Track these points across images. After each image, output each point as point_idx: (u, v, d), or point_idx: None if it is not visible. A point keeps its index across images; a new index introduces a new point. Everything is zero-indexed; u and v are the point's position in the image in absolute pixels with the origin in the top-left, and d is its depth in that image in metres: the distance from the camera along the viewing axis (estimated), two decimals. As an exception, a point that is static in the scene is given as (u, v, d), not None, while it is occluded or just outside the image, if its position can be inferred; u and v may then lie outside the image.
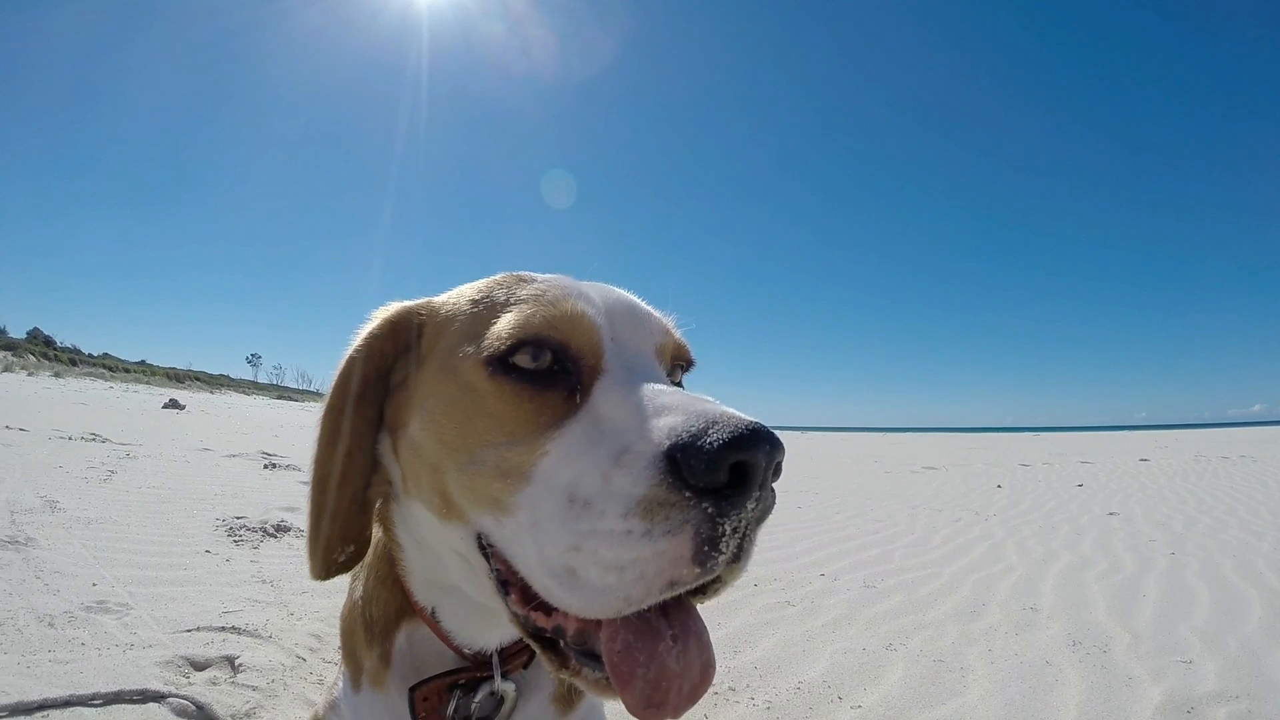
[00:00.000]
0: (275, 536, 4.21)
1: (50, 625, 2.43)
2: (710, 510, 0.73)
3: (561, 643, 0.90)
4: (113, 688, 1.98)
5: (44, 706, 1.86)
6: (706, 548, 0.73)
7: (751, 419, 0.74)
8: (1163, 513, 7.42)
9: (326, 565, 1.13)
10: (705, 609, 2.94)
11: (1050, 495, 9.32)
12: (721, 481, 0.73)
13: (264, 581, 3.27)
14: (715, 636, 2.87)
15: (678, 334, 1.09)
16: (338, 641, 1.28)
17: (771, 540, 5.48)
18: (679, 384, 1.10)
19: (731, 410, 0.76)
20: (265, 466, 8.01)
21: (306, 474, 1.14)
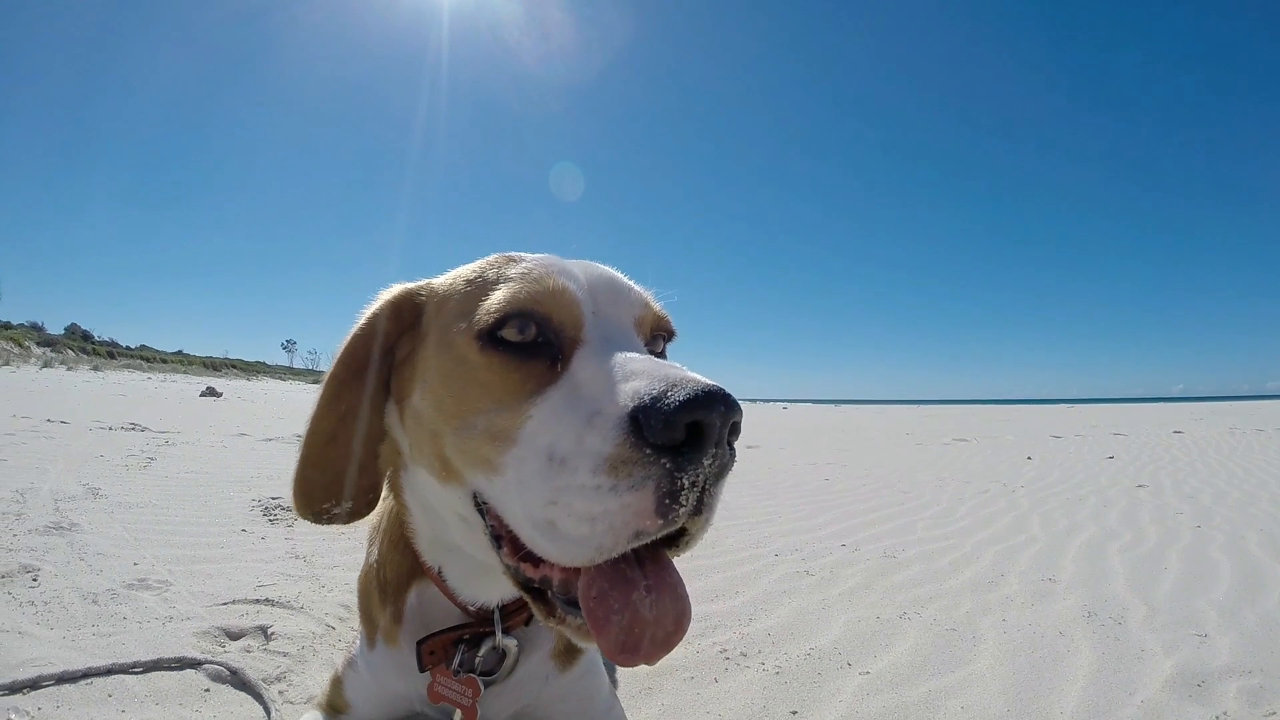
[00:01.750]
0: None
1: (94, 602, 2.57)
2: (669, 466, 0.79)
3: (549, 592, 0.97)
4: (152, 656, 2.09)
5: (88, 675, 1.97)
6: (668, 501, 0.79)
7: (711, 382, 0.80)
8: (1192, 485, 7.32)
9: (314, 510, 1.23)
10: (724, 579, 3.04)
11: (1080, 467, 9.23)
12: (679, 440, 0.79)
13: (297, 557, 3.39)
14: (732, 604, 2.98)
15: (658, 306, 1.15)
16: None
17: (795, 512, 5.54)
18: (661, 353, 1.16)
19: (693, 375, 0.82)
20: None
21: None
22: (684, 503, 0.80)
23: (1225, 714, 2.11)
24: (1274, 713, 2.13)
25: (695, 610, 2.82)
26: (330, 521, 1.26)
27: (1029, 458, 10.66)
